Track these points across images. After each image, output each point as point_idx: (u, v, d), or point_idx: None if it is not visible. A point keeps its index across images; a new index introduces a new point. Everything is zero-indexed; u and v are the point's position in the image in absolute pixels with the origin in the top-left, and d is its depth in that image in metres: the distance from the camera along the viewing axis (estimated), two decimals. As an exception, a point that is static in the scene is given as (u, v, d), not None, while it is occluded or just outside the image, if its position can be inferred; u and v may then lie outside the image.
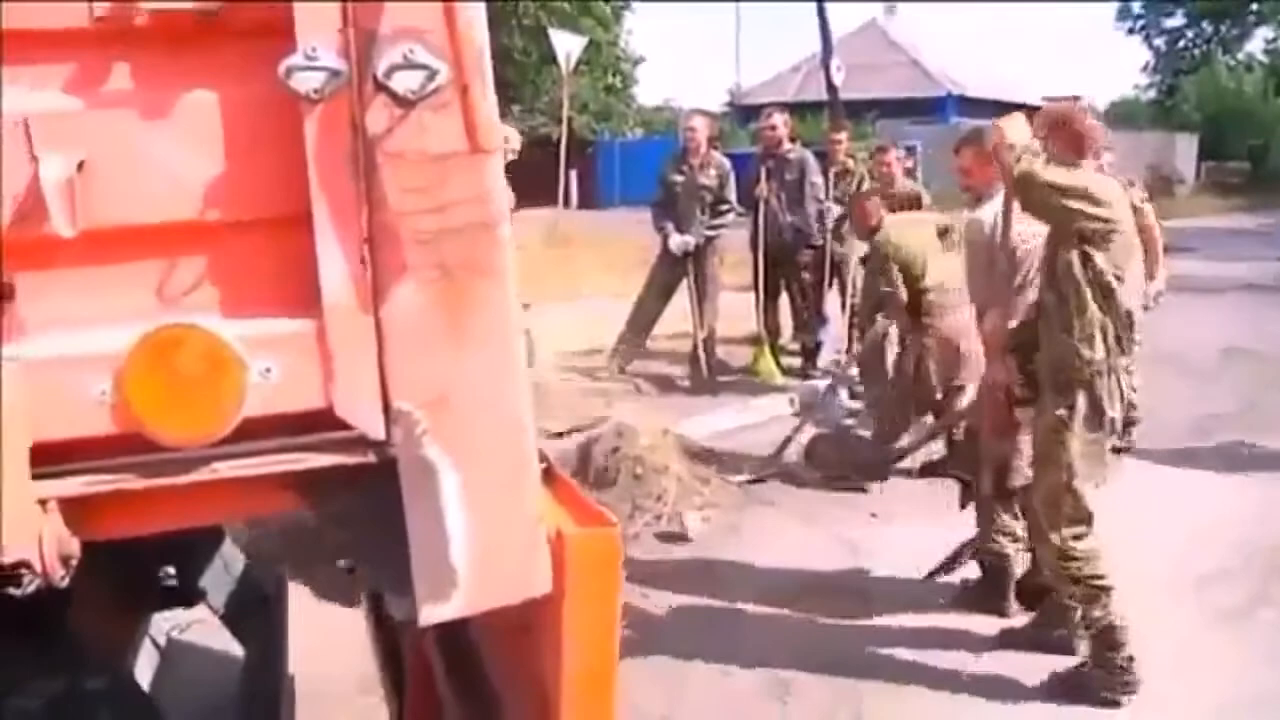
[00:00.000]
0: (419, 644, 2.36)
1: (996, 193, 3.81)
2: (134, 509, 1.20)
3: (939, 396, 5.78)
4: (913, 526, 4.28)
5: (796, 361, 8.28)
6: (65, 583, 1.14)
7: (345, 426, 1.20)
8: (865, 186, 8.19)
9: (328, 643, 3.79)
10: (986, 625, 3.98)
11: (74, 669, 1.77)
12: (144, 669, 2.36)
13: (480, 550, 1.23)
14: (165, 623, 2.83)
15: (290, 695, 2.87)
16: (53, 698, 1.74)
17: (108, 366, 1.14)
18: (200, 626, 3.14)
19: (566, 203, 16.52)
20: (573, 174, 18.94)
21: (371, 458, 1.20)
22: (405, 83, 1.17)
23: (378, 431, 1.19)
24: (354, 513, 1.26)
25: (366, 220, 1.16)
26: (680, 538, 5.06)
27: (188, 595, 2.35)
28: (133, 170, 1.16)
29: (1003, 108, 30.60)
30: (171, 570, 2.30)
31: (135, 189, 1.16)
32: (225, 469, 1.17)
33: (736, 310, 8.18)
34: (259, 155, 1.18)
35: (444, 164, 1.18)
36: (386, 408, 1.19)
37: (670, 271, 8.07)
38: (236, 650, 2.46)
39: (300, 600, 4.05)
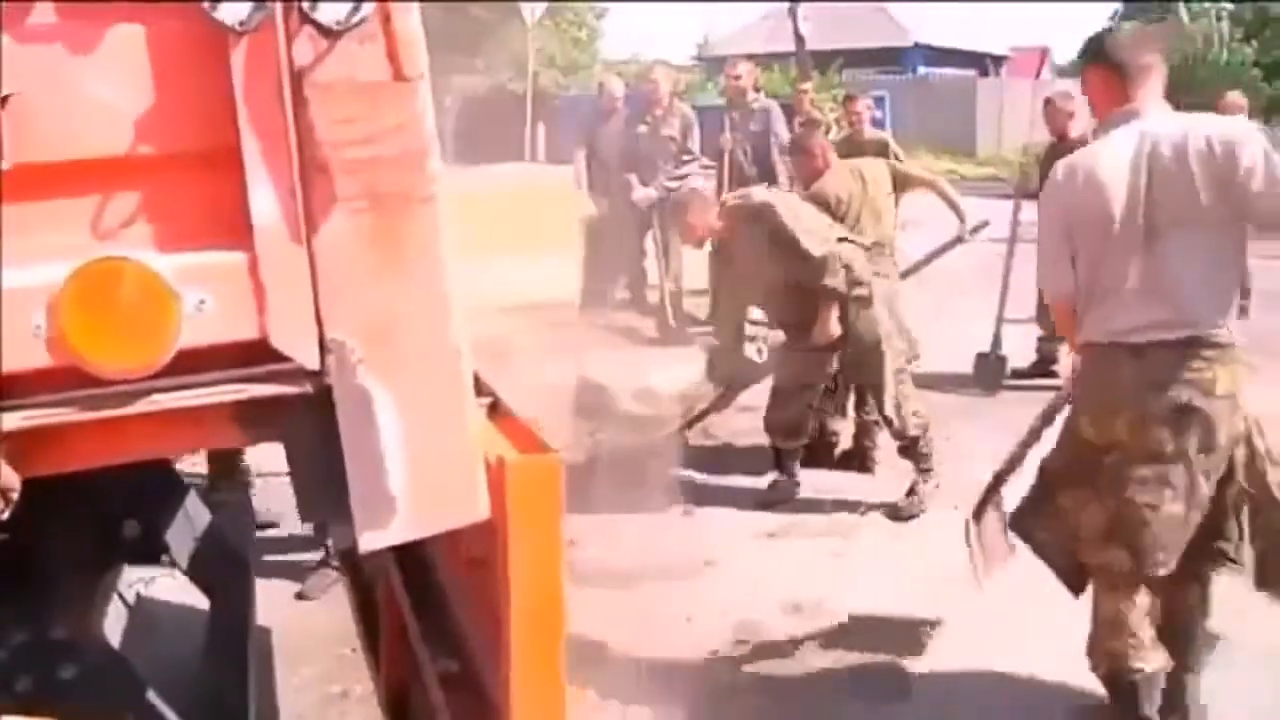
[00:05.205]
0: (390, 595, 2.39)
1: None
2: (74, 443, 1.22)
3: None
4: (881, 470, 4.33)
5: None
6: (4, 515, 1.16)
7: (282, 358, 1.21)
8: (832, 136, 8.16)
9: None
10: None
11: (41, 621, 1.78)
12: (112, 623, 2.37)
13: (417, 477, 1.26)
14: (133, 578, 2.82)
15: (265, 650, 2.88)
16: (19, 649, 1.76)
17: (42, 300, 1.15)
18: (168, 582, 3.13)
19: (533, 156, 16.42)
20: (539, 128, 18.73)
21: (308, 388, 1.22)
22: (331, 14, 1.18)
23: (313, 362, 1.21)
24: (292, 443, 1.28)
25: (295, 151, 1.17)
26: None
27: (152, 550, 2.35)
28: (61, 105, 1.17)
29: (970, 58, 30.55)
30: (135, 525, 2.30)
31: (64, 124, 1.17)
32: (163, 401, 1.19)
33: (702, 262, 8.17)
34: (187, 88, 1.19)
35: (371, 94, 1.19)
36: (321, 338, 1.21)
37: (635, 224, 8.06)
38: (205, 605, 2.47)
39: (278, 554, 4.10)
